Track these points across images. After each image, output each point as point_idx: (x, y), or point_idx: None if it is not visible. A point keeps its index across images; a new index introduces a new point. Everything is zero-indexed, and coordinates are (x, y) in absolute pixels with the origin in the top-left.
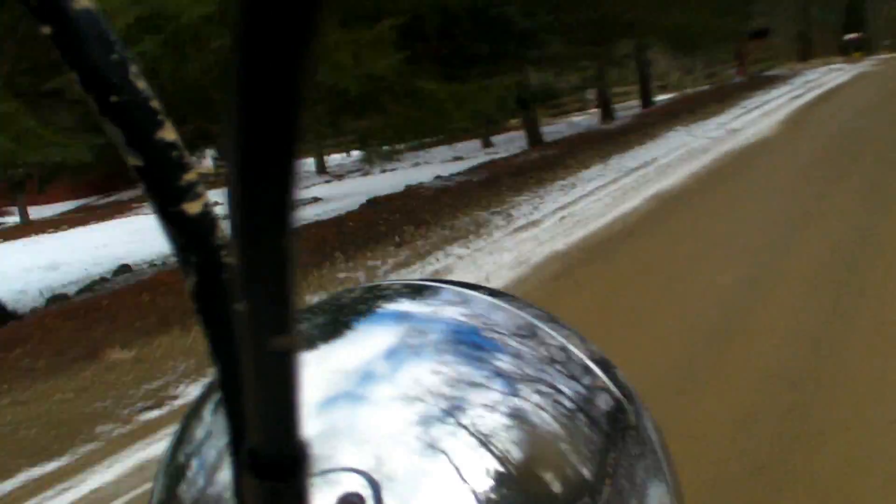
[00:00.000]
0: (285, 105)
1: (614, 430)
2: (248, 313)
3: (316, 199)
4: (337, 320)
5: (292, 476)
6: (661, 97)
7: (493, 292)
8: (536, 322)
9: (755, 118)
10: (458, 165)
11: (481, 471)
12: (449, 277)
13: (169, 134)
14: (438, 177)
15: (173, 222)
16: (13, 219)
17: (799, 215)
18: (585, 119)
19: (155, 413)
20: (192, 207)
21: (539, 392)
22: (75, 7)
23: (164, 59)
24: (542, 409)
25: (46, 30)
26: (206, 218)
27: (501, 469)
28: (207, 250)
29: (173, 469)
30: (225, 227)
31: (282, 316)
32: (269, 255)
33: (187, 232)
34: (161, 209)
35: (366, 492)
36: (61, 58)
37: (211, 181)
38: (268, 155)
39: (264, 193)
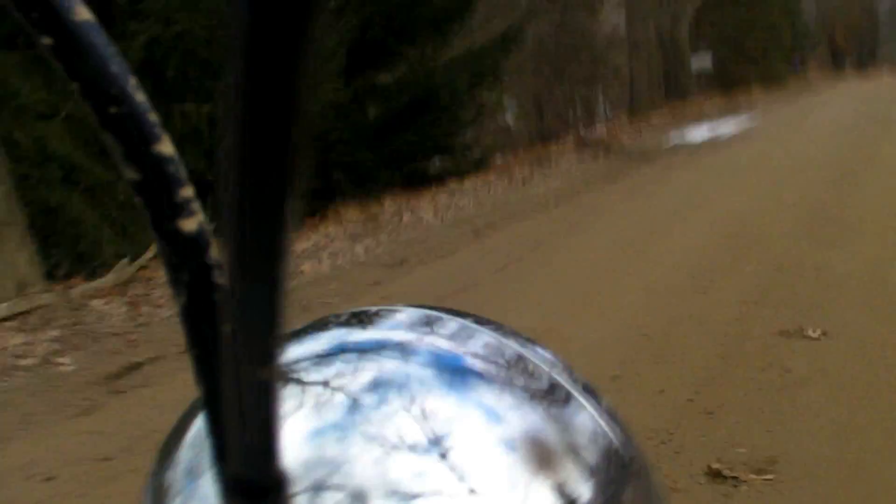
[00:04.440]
0: (281, 135)
1: (599, 457)
2: (234, 338)
3: None
4: (322, 348)
5: (272, 500)
6: None
7: (478, 319)
8: (522, 350)
9: None
10: None
11: (466, 501)
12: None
13: (166, 148)
14: None
15: (167, 239)
16: None
17: None
18: None
19: None
20: (188, 224)
21: (525, 423)
22: (75, 19)
23: None
24: (529, 439)
25: (47, 41)
26: (201, 236)
27: (485, 501)
28: (200, 268)
29: (159, 487)
30: (219, 247)
31: (267, 345)
32: (262, 282)
33: (181, 249)
34: (156, 225)
35: None
36: (62, 69)
37: None
38: (265, 185)
39: (261, 224)
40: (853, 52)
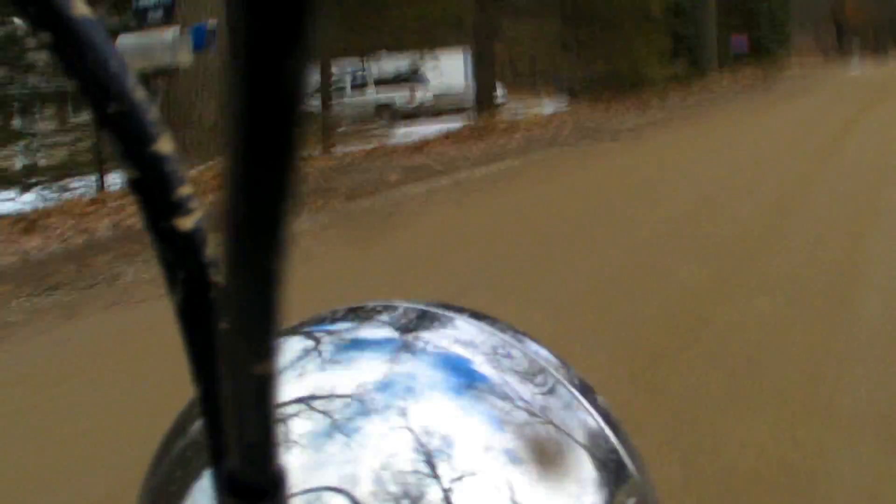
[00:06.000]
0: (281, 127)
1: (595, 457)
2: (231, 334)
3: None
4: (319, 346)
5: (270, 499)
6: None
7: (475, 314)
8: (519, 346)
9: None
10: None
11: (462, 501)
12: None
13: (165, 146)
14: None
15: (163, 237)
16: None
17: None
18: None
19: None
20: (184, 223)
21: (522, 421)
22: (74, 14)
23: None
24: (526, 438)
25: (46, 37)
26: (197, 234)
27: (481, 500)
28: (196, 267)
29: (154, 489)
30: (215, 245)
31: (264, 340)
32: (259, 276)
33: (177, 248)
34: (152, 224)
35: None
36: (60, 65)
37: None
38: (263, 175)
39: (258, 214)
40: (868, 29)
